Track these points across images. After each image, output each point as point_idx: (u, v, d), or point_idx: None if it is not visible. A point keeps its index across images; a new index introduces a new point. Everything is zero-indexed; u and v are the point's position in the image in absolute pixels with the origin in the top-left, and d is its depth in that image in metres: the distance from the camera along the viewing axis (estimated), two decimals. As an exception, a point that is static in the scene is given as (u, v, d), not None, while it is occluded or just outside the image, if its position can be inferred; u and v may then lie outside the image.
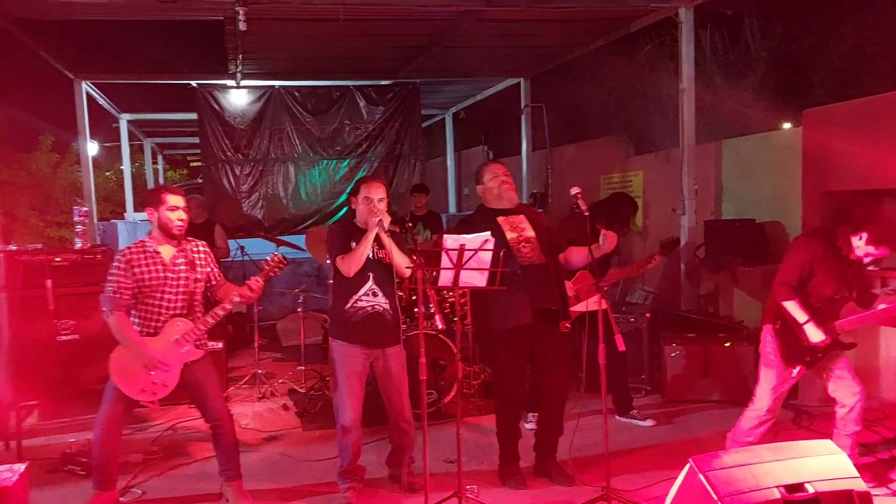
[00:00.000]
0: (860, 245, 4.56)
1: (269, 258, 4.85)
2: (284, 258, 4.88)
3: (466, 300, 5.98)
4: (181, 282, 4.75)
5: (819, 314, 4.70)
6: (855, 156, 6.65)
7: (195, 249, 4.87)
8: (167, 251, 4.76)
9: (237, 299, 4.73)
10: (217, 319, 4.75)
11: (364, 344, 4.87)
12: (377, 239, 4.82)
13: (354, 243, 4.83)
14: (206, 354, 4.86)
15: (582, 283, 5.96)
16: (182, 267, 4.77)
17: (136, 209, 15.85)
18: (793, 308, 4.71)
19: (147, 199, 4.78)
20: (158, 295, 4.68)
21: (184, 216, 4.76)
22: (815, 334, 4.64)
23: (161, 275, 4.69)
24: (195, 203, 8.99)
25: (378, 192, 4.91)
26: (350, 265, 4.76)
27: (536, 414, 5.62)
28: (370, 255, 4.84)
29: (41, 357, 5.90)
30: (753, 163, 8.18)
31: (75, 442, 5.67)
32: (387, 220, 4.82)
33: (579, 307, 5.82)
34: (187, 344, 4.71)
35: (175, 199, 4.75)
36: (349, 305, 4.83)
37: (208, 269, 4.89)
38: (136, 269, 4.64)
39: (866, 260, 4.65)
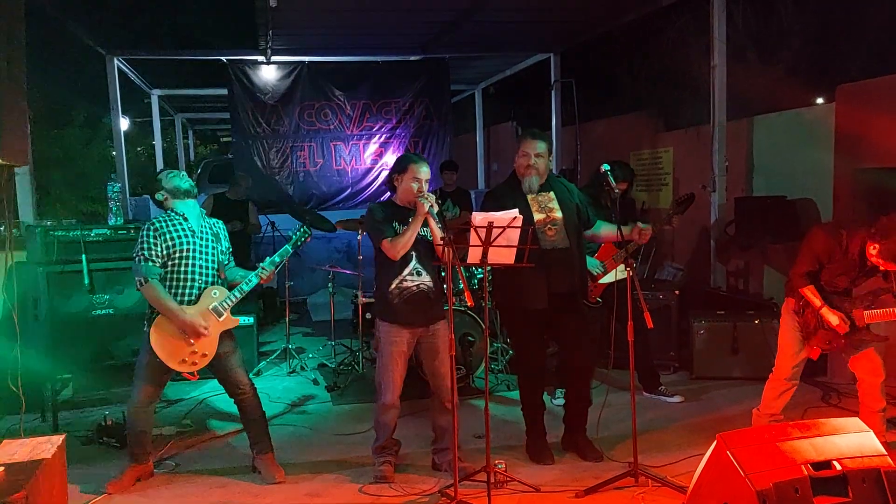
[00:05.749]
0: (872, 254, 4.66)
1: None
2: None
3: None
4: (210, 249, 4.87)
5: (834, 302, 4.82)
6: (889, 133, 6.54)
7: (215, 226, 5.01)
8: (194, 221, 4.86)
9: (257, 279, 4.85)
10: (244, 294, 4.86)
11: (410, 324, 4.82)
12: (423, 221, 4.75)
13: (397, 223, 4.81)
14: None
15: (607, 255, 5.96)
16: (210, 236, 4.90)
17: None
18: (809, 294, 4.86)
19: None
20: (191, 262, 4.76)
21: None
22: (831, 318, 4.77)
23: (191, 239, 4.78)
24: (246, 182, 9.61)
25: (427, 173, 4.84)
26: (397, 250, 4.68)
27: (564, 390, 5.62)
28: None
29: (76, 331, 6.00)
30: (785, 139, 8.08)
31: (110, 415, 5.79)
32: (434, 203, 4.71)
33: (607, 278, 5.85)
34: (225, 312, 4.80)
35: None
36: (393, 287, 4.77)
37: (226, 246, 5.05)
38: (168, 235, 4.73)
39: (879, 267, 4.73)
